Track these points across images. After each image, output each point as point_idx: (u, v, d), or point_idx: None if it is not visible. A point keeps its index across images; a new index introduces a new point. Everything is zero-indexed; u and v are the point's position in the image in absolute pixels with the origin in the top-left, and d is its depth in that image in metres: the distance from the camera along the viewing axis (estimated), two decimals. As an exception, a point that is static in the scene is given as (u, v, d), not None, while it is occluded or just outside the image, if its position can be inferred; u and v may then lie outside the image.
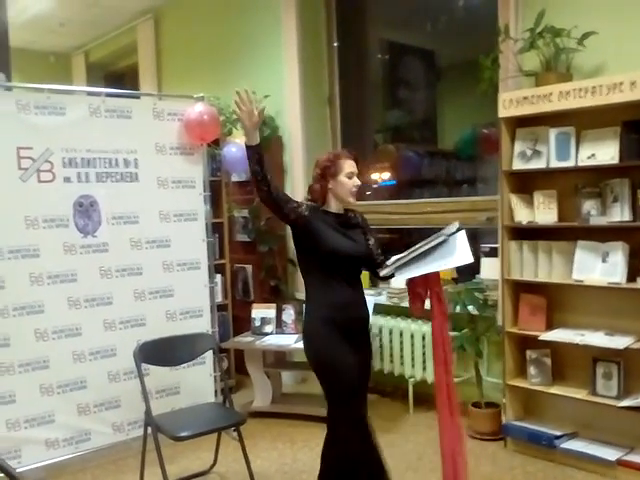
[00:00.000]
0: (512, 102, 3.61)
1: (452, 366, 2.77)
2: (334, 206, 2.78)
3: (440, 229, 2.67)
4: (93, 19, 6.99)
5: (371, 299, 4.42)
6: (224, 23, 5.93)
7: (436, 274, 2.67)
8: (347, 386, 2.69)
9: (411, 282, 2.74)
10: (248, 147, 2.58)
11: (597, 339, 3.40)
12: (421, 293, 2.71)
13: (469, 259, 2.58)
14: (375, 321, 4.54)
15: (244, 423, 3.23)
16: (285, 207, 2.67)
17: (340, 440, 2.75)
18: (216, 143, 4.72)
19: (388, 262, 2.69)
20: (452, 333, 4.11)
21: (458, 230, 2.61)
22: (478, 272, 4.24)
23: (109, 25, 7.21)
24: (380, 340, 4.56)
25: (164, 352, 3.39)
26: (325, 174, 2.73)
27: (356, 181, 2.73)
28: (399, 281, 4.54)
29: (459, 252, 2.57)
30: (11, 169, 3.45)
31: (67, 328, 3.63)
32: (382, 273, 2.75)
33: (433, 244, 2.57)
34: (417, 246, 2.60)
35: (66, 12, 6.74)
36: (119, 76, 8.20)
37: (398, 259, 2.63)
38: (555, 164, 3.57)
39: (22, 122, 3.48)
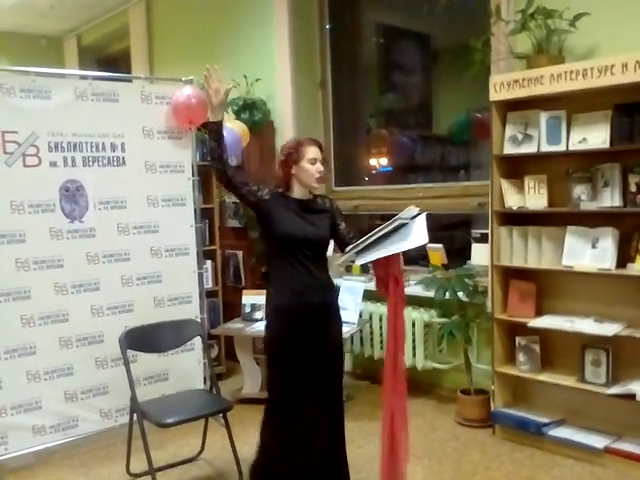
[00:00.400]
0: (503, 85, 3.57)
1: (403, 345, 2.80)
2: (297, 192, 2.81)
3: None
4: (84, 1, 6.90)
5: (361, 285, 4.41)
6: (216, 6, 5.86)
7: (396, 257, 2.67)
8: (287, 374, 2.73)
9: (374, 265, 2.76)
10: (209, 122, 2.70)
11: (586, 326, 3.38)
12: (382, 275, 2.73)
13: (424, 240, 2.61)
14: (365, 308, 4.52)
15: (230, 410, 3.22)
16: (243, 189, 2.75)
17: (264, 428, 2.81)
18: (206, 127, 4.65)
19: (347, 248, 2.72)
20: (441, 320, 4.12)
21: (419, 214, 2.64)
22: (469, 258, 4.21)
23: (101, 8, 7.12)
24: (370, 327, 4.54)
25: (150, 338, 3.38)
26: (288, 160, 2.77)
27: (319, 167, 2.77)
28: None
29: (416, 234, 2.60)
30: (-5, 153, 3.41)
31: (54, 314, 3.60)
32: (342, 259, 2.80)
33: (390, 228, 2.60)
34: (375, 230, 2.63)
35: (56, -6, 6.66)
36: (112, 60, 8.11)
37: (356, 244, 2.66)
38: (546, 148, 3.53)
39: (7, 106, 3.43)
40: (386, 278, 2.71)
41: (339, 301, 3.08)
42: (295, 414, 2.72)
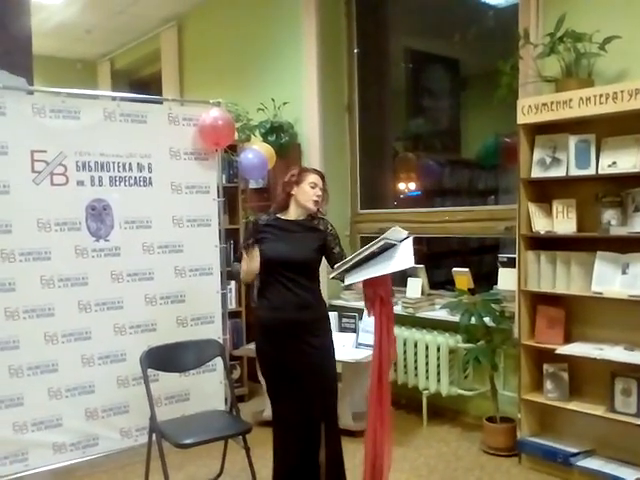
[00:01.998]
0: (531, 108, 3.54)
1: (389, 361, 2.88)
2: (293, 212, 3.07)
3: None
4: (119, 26, 7.08)
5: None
6: (245, 30, 5.95)
7: (383, 278, 2.74)
8: (270, 385, 3.11)
9: (362, 285, 2.84)
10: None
11: (616, 354, 3.29)
12: (370, 295, 2.80)
13: (410, 264, 2.67)
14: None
15: (250, 432, 3.18)
16: (254, 264, 2.96)
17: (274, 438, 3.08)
18: (233, 149, 4.70)
19: (336, 265, 2.86)
20: (467, 345, 4.04)
21: (407, 237, 2.71)
22: (495, 283, 4.14)
23: (134, 32, 7.30)
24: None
25: (172, 358, 3.37)
26: (290, 181, 3.06)
27: (317, 192, 3.03)
28: (414, 291, 4.50)
29: (401, 256, 2.66)
30: (25, 172, 3.44)
31: (77, 332, 3.61)
32: (330, 276, 2.93)
33: (376, 248, 2.66)
34: (361, 250, 2.71)
35: (92, 20, 6.85)
36: (144, 83, 8.27)
37: (342, 263, 2.79)
38: (575, 172, 3.47)
39: (37, 125, 3.49)
40: (373, 298, 2.78)
41: (329, 319, 3.18)
42: (283, 423, 3.03)
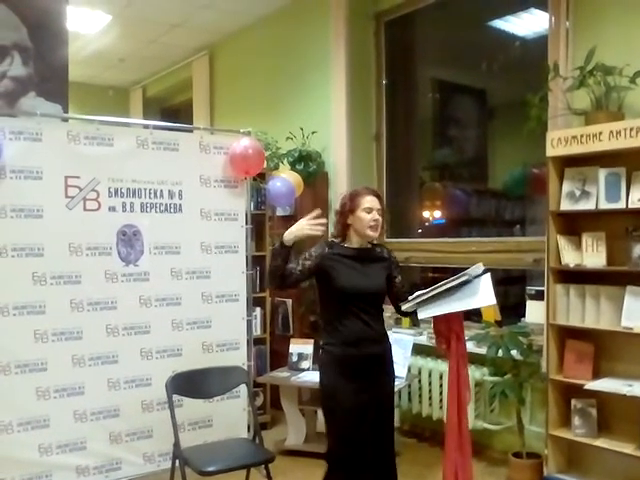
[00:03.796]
0: (561, 141, 3.53)
1: (466, 407, 2.76)
2: (355, 241, 2.87)
3: (487, 269, 2.68)
4: (151, 55, 7.25)
5: (410, 339, 4.34)
6: (275, 60, 6.05)
7: (458, 314, 2.66)
8: (343, 428, 2.74)
9: (435, 320, 2.75)
10: (284, 246, 2.74)
11: (647, 391, 3.22)
12: (443, 331, 2.71)
13: (491, 301, 2.60)
14: (414, 362, 4.43)
15: (272, 461, 3.17)
16: (294, 279, 2.81)
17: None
18: (262, 177, 4.75)
19: (410, 297, 2.70)
20: (494, 378, 3.98)
21: (484, 272, 2.63)
22: (523, 315, 4.10)
23: (166, 61, 7.46)
24: (419, 382, 4.44)
25: (196, 384, 3.39)
26: (344, 210, 2.86)
27: (375, 215, 2.81)
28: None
29: (482, 293, 2.59)
30: (58, 197, 3.52)
31: (104, 355, 3.64)
32: (404, 307, 2.78)
33: (456, 283, 2.58)
34: (440, 283, 2.61)
35: (126, 48, 7.02)
36: (174, 111, 8.43)
37: (420, 294, 2.64)
38: (605, 205, 3.44)
39: (71, 152, 3.57)
40: (448, 334, 2.70)
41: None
42: (350, 464, 2.73)
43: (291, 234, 2.74)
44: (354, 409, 2.73)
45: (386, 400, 2.86)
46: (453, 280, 2.59)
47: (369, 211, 2.80)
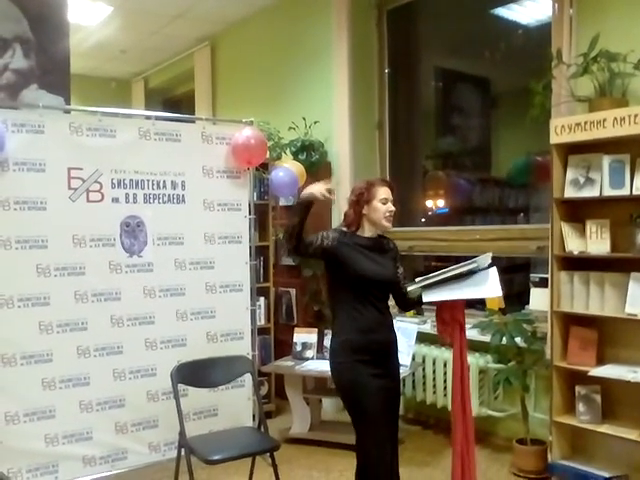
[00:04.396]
0: (564, 128, 3.51)
1: (469, 396, 2.78)
2: (368, 231, 2.87)
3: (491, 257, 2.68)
4: (153, 46, 7.22)
5: (414, 327, 4.34)
6: (277, 50, 6.02)
7: (461, 302, 2.68)
8: (371, 411, 2.72)
9: (439, 308, 2.75)
10: (300, 202, 2.74)
11: (651, 377, 3.22)
12: (446, 319, 2.72)
13: (498, 293, 2.62)
14: (418, 350, 4.44)
15: (277, 449, 3.17)
16: (310, 249, 2.78)
17: (371, 464, 2.74)
18: (264, 167, 4.75)
19: (417, 279, 2.71)
20: (498, 365, 3.99)
21: (490, 266, 2.64)
22: (527, 303, 4.09)
23: (168, 52, 7.43)
24: (423, 370, 4.44)
25: (201, 374, 3.39)
26: (359, 200, 2.83)
27: (390, 207, 2.84)
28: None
29: (490, 284, 2.61)
30: (61, 189, 3.53)
31: (109, 346, 3.66)
32: (409, 288, 2.80)
33: (465, 270, 2.57)
34: (449, 268, 2.61)
35: (128, 40, 6.99)
36: (176, 102, 8.41)
37: (426, 277, 2.65)
38: (609, 192, 3.43)
39: (74, 143, 3.57)
40: (451, 322, 2.70)
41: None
42: (383, 448, 2.75)
43: (307, 192, 2.74)
44: (376, 394, 2.73)
45: (397, 384, 2.90)
46: (462, 267, 2.59)
47: (385, 202, 2.82)
